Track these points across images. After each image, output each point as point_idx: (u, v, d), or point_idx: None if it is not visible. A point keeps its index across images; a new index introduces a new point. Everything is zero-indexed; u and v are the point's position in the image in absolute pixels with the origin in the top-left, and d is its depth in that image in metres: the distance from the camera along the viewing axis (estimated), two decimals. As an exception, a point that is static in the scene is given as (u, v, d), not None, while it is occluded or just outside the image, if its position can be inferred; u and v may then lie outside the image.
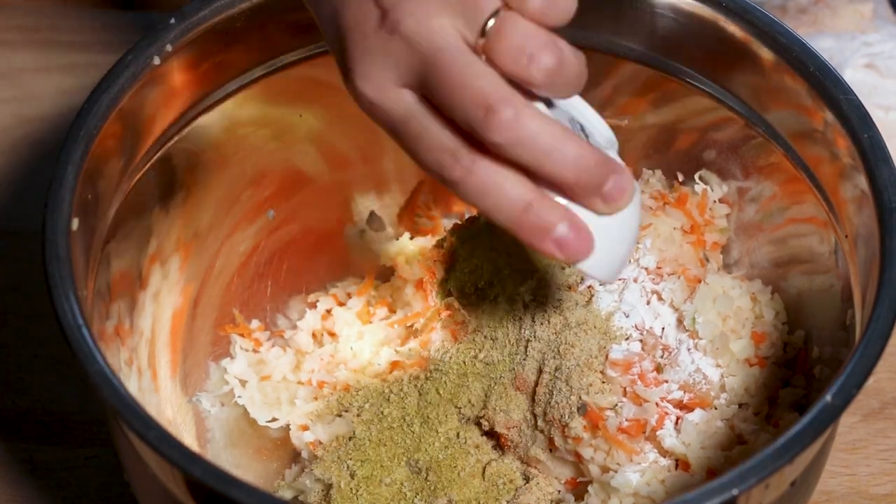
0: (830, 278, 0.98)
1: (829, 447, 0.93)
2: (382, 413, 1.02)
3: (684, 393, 0.99)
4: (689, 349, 1.00)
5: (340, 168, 1.13)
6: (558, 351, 0.99)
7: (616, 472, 0.97)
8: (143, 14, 1.44)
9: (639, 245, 1.05)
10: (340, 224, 1.16)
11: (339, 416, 1.04)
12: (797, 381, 1.01)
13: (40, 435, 1.12)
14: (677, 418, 0.98)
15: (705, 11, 1.00)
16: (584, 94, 1.09)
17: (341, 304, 1.13)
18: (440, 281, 1.07)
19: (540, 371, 1.00)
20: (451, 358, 1.03)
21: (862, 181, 0.91)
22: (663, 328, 1.02)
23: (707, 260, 1.07)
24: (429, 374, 1.03)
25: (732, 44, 1.00)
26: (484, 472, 1.01)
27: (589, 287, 1.03)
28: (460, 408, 1.02)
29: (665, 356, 1.00)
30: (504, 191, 0.77)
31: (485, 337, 1.03)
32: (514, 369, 1.01)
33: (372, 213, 1.16)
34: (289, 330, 1.12)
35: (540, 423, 0.99)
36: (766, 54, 0.98)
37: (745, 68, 1.00)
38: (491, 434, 1.02)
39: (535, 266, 1.06)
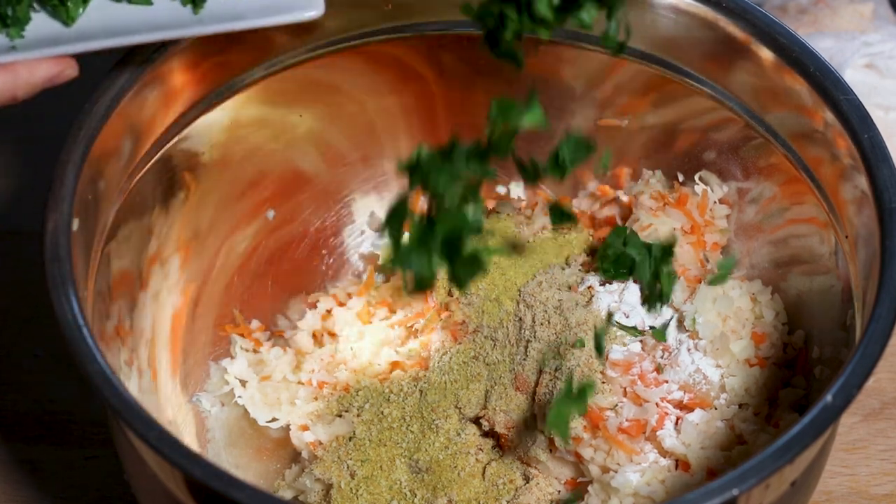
0: (830, 279, 0.98)
1: (829, 447, 0.93)
2: (382, 413, 1.02)
3: (684, 393, 0.99)
4: (689, 349, 1.00)
5: (340, 168, 1.13)
6: (558, 351, 0.99)
7: (616, 472, 0.97)
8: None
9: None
10: (340, 224, 1.16)
11: (340, 416, 1.04)
12: (797, 382, 1.01)
13: (40, 435, 1.12)
14: (677, 418, 0.98)
15: (705, 11, 1.00)
16: (586, 94, 1.10)
17: (341, 305, 1.13)
18: (440, 281, 1.07)
19: (540, 371, 1.00)
20: (451, 358, 1.03)
21: (862, 182, 0.91)
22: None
23: (707, 260, 1.07)
24: (429, 374, 1.03)
25: (732, 44, 1.00)
26: (484, 472, 1.01)
27: (589, 288, 1.03)
28: (460, 408, 1.02)
29: (665, 356, 1.00)
30: None
31: (485, 337, 1.03)
32: (514, 370, 1.01)
33: (372, 214, 1.16)
34: (289, 330, 1.12)
35: (540, 423, 0.99)
36: (766, 54, 0.98)
37: (745, 68, 1.00)
38: (491, 434, 1.02)
39: (535, 266, 1.06)
